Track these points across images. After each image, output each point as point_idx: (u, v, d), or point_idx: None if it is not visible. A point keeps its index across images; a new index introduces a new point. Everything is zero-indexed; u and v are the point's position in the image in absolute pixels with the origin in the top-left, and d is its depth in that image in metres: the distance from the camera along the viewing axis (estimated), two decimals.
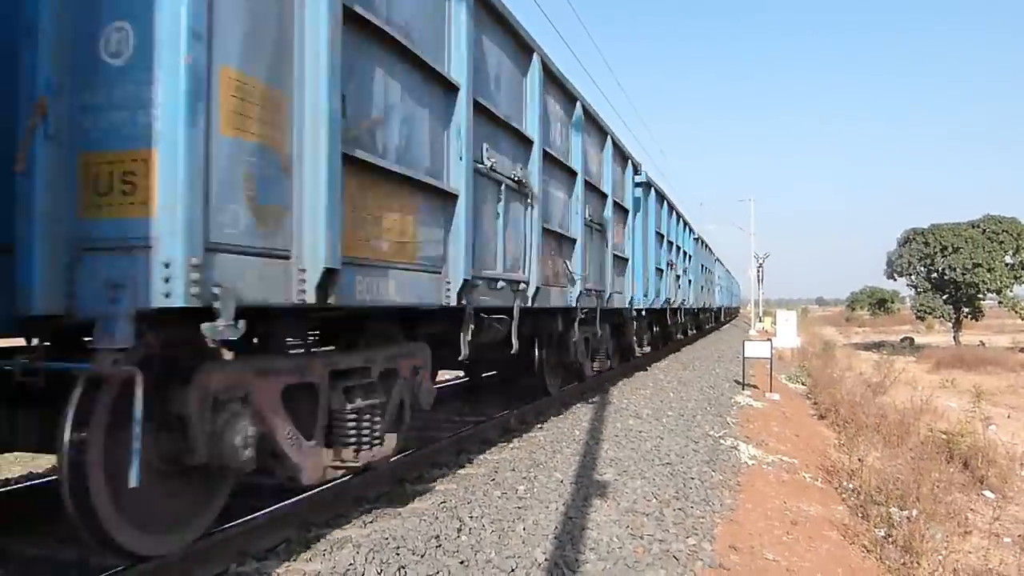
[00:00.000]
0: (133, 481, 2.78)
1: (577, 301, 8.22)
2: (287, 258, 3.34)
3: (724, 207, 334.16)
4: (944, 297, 36.75)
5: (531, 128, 6.72)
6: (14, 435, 3.36)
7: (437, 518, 4.52)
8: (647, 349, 15.09)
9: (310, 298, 3.42)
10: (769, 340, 14.88)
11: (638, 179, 12.25)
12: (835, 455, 8.46)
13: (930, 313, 37.53)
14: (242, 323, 2.94)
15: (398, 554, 3.87)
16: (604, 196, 9.89)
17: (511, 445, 6.90)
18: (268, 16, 3.20)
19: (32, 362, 3.06)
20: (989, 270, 34.40)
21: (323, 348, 4.66)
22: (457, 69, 5.04)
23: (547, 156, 7.18)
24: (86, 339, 2.91)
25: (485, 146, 5.64)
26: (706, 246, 27.18)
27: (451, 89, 5.03)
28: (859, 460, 7.54)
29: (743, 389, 12.85)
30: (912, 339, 40.99)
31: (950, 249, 35.38)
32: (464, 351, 5.44)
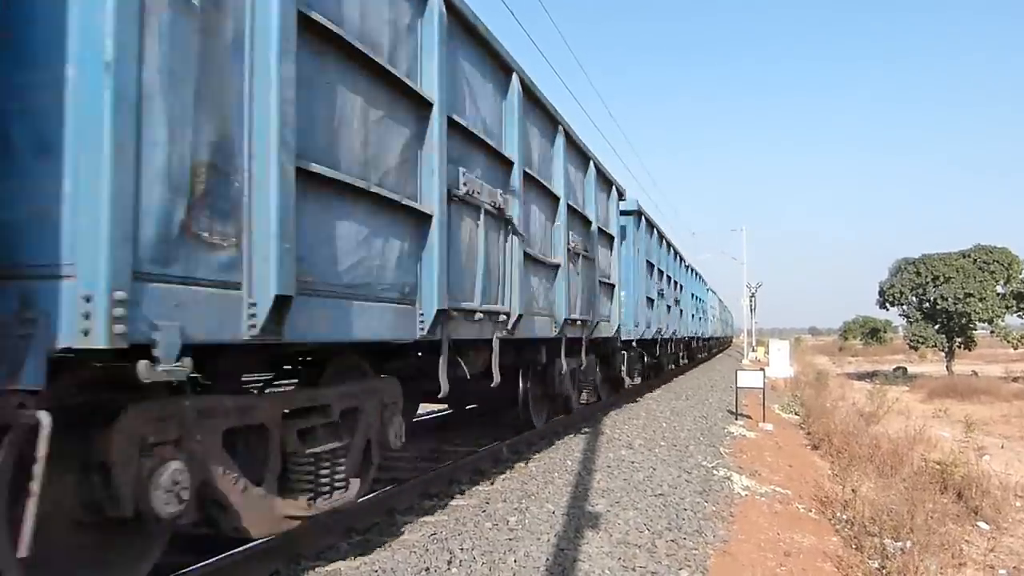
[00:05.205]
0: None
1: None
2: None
3: (717, 236, 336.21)
4: (936, 327, 36.81)
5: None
6: None
7: (428, 550, 4.48)
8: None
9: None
10: (762, 370, 14.87)
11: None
12: (828, 485, 8.43)
13: (923, 343, 37.57)
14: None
15: None
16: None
17: (502, 476, 6.86)
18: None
19: None
20: (980, 300, 34.52)
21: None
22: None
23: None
24: None
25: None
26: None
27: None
28: (852, 491, 7.51)
29: (736, 419, 12.83)
30: (905, 369, 40.97)
31: (941, 279, 35.53)
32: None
